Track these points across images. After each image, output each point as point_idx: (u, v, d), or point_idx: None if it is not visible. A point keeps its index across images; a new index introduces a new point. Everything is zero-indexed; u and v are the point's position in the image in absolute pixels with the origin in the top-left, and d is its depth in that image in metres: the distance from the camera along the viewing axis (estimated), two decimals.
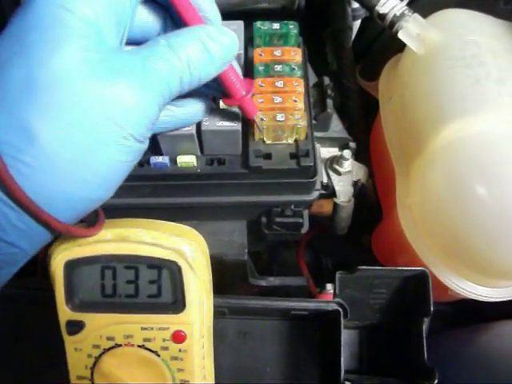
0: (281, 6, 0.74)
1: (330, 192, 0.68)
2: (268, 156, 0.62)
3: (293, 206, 0.67)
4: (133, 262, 0.51)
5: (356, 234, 0.80)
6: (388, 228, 0.73)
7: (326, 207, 0.72)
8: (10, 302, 0.65)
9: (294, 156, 0.62)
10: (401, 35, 0.64)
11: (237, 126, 0.60)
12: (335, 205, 0.68)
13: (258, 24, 0.67)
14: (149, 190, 0.65)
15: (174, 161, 0.63)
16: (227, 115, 0.60)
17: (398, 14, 0.65)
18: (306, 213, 0.68)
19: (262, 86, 0.62)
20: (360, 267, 0.57)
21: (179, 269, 0.50)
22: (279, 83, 0.63)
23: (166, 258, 0.50)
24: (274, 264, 0.92)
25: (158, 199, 0.66)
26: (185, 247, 0.50)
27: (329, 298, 0.72)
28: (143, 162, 0.63)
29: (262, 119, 0.60)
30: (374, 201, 0.76)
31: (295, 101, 0.62)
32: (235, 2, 0.69)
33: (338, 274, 0.58)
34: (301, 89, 0.62)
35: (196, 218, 0.71)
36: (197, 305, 0.52)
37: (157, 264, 0.50)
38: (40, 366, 0.64)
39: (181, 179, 0.64)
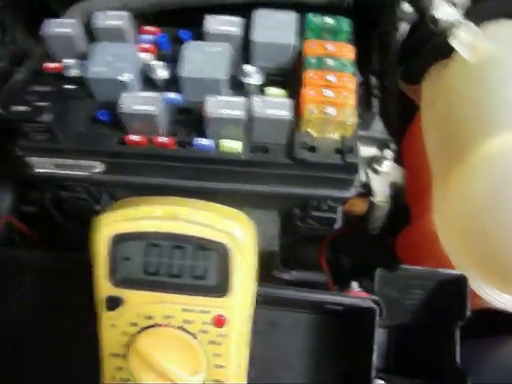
0: (329, 2, 0.74)
1: (367, 191, 0.68)
2: (313, 149, 0.62)
3: (329, 201, 0.67)
4: (180, 242, 0.50)
5: (379, 235, 0.80)
6: (417, 232, 0.72)
7: (357, 206, 0.71)
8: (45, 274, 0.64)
9: (339, 151, 0.62)
10: (453, 42, 0.64)
11: (288, 115, 0.59)
12: (371, 204, 0.68)
13: (311, 16, 0.66)
14: (188, 172, 0.64)
15: (218, 145, 0.62)
16: (278, 104, 0.60)
17: (451, 20, 0.65)
18: (340, 209, 0.68)
19: (314, 78, 0.62)
20: (401, 266, 0.57)
21: (228, 252, 0.49)
22: (331, 77, 0.62)
23: (216, 239, 0.49)
24: (291, 258, 0.91)
25: (195, 182, 0.65)
26: (236, 230, 0.49)
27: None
28: (185, 143, 0.63)
29: (312, 112, 0.60)
30: (402, 203, 0.76)
31: (346, 96, 0.61)
32: None
33: (378, 271, 0.57)
34: (352, 85, 0.62)
35: (228, 204, 0.70)
36: (241, 290, 0.51)
37: (205, 245, 0.49)
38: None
39: (223, 164, 0.63)
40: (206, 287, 0.51)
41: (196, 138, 0.62)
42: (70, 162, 0.66)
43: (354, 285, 0.73)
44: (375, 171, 0.68)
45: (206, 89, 0.62)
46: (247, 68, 0.63)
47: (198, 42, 0.64)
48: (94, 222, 0.50)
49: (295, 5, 0.71)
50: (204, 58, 0.62)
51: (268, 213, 0.71)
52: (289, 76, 0.67)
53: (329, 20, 0.66)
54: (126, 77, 0.62)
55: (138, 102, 0.60)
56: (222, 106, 0.59)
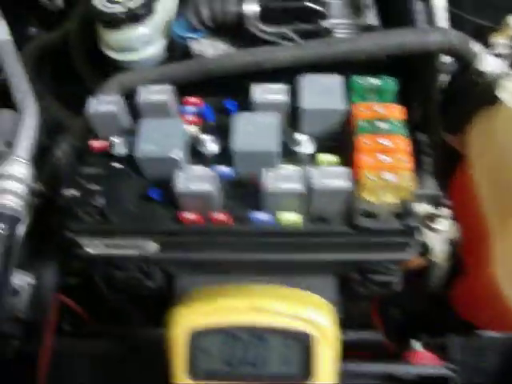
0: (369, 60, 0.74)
1: (424, 249, 0.67)
2: (372, 215, 0.60)
3: (388, 265, 0.66)
4: (262, 333, 0.48)
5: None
6: (475, 284, 0.71)
7: (414, 263, 0.70)
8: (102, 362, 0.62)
9: (398, 216, 0.61)
10: (501, 93, 0.64)
11: (347, 184, 0.58)
12: (431, 263, 0.67)
13: (356, 78, 0.66)
14: (246, 246, 0.63)
15: (275, 217, 0.61)
16: (336, 173, 0.59)
17: (498, 72, 0.64)
18: (399, 270, 0.67)
19: (367, 144, 0.61)
20: (477, 332, 0.55)
21: (311, 340, 0.48)
22: (384, 141, 0.61)
23: (299, 329, 0.48)
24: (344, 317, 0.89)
25: (253, 255, 0.64)
26: (319, 319, 0.48)
27: (417, 356, 0.70)
28: (242, 218, 0.61)
29: (369, 178, 0.59)
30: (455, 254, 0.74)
31: (402, 160, 0.60)
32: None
33: (453, 339, 0.56)
34: (406, 147, 0.61)
35: (284, 272, 0.69)
36: (325, 374, 0.49)
37: (288, 335, 0.48)
38: None
39: (282, 237, 0.61)
40: (289, 375, 0.49)
41: (253, 213, 0.61)
42: (122, 242, 0.64)
43: (417, 345, 0.72)
44: (432, 229, 0.67)
45: (259, 161, 0.61)
46: (299, 137, 0.62)
47: (248, 114, 0.63)
48: (172, 315, 0.49)
49: (334, 64, 0.70)
50: (255, 130, 0.61)
51: (324, 278, 0.69)
52: (338, 140, 0.66)
53: (373, 80, 0.65)
54: (176, 154, 0.61)
55: (193, 181, 0.59)
56: (279, 179, 0.58)
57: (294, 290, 0.51)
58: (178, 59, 0.79)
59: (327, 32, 0.72)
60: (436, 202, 0.69)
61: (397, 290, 0.68)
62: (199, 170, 0.61)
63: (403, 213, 0.60)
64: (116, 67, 0.82)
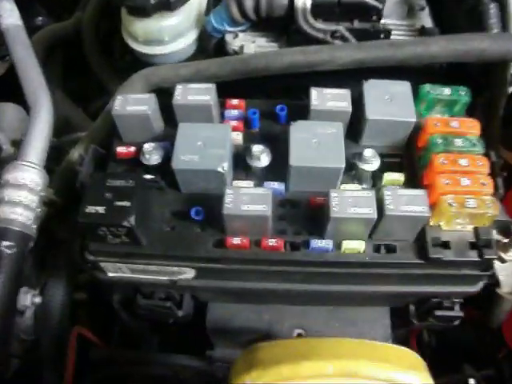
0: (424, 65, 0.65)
1: (493, 282, 0.58)
2: (446, 244, 0.52)
3: (454, 298, 0.57)
4: None
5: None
6: None
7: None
8: None
9: (473, 246, 0.52)
10: None
11: (426, 211, 0.49)
12: (497, 296, 0.58)
13: (427, 88, 0.56)
14: (299, 276, 0.54)
15: (337, 245, 0.52)
16: (412, 198, 0.49)
17: None
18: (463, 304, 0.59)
19: (445, 164, 0.52)
20: None
21: None
22: (463, 161, 0.52)
23: None
24: None
25: (306, 286, 0.55)
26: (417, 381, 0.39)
27: None
28: (297, 245, 0.52)
29: (450, 204, 0.50)
30: None
31: (484, 184, 0.52)
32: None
33: None
34: (486, 169, 0.53)
35: (333, 304, 0.60)
36: None
37: None
38: None
39: (343, 267, 0.52)
40: None
41: (312, 239, 0.51)
42: (153, 267, 0.54)
43: (471, 382, 0.64)
44: (501, 259, 0.58)
45: (319, 179, 0.52)
46: (367, 153, 0.53)
47: (308, 123, 0.53)
48: (240, 378, 0.39)
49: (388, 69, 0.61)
50: (316, 143, 0.52)
51: (378, 310, 0.60)
52: (402, 155, 0.57)
53: (446, 90, 0.56)
54: (223, 167, 0.51)
55: (246, 201, 0.49)
56: (348, 203, 0.48)
57: (378, 345, 0.41)
58: (210, 55, 0.69)
59: (387, 33, 0.63)
60: (504, 228, 0.60)
61: (455, 325, 0.60)
62: (250, 187, 0.51)
63: (479, 243, 0.52)
64: (137, 61, 0.71)
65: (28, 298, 0.64)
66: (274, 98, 0.62)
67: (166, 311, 0.58)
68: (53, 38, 0.83)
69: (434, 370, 0.69)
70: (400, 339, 0.71)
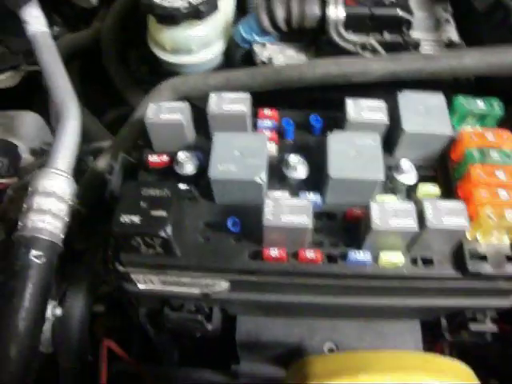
0: (453, 78, 0.64)
1: None
2: (483, 258, 0.50)
3: (488, 312, 0.55)
4: None
5: None
6: None
7: None
8: None
9: (511, 259, 0.51)
10: None
11: (465, 224, 0.47)
12: None
13: (461, 100, 0.55)
14: (337, 289, 0.51)
15: (375, 258, 0.50)
16: (452, 210, 0.48)
17: None
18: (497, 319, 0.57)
19: (482, 177, 0.51)
20: None
21: None
22: (500, 174, 0.51)
23: None
24: None
25: (343, 299, 0.53)
26: None
27: None
28: (335, 257, 0.50)
29: (490, 217, 0.49)
30: None
31: None
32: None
33: None
34: None
35: (364, 316, 0.58)
36: None
37: None
38: None
39: (381, 279, 0.50)
40: None
41: (350, 252, 0.49)
42: (186, 279, 0.51)
43: None
44: None
45: (358, 191, 0.50)
46: (404, 164, 0.51)
47: (345, 134, 0.52)
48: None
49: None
50: (355, 154, 0.50)
51: (408, 323, 0.58)
52: (436, 168, 0.56)
53: (480, 103, 0.55)
54: (261, 178, 0.49)
55: (286, 213, 0.47)
56: (390, 215, 0.47)
57: (433, 357, 0.39)
58: (238, 65, 0.67)
59: (416, 45, 0.61)
60: None
61: (487, 341, 0.58)
62: (289, 199, 0.49)
63: None
64: (153, 73, 0.69)
65: (48, 310, 0.61)
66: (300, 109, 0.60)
67: (196, 325, 0.55)
68: (71, 48, 0.81)
69: None
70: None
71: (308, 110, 0.57)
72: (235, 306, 0.56)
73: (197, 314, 0.55)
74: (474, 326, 0.55)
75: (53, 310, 0.62)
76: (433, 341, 0.61)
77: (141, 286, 0.53)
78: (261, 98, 0.60)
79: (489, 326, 0.56)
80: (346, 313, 0.57)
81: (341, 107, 0.54)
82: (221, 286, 0.52)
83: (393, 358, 0.39)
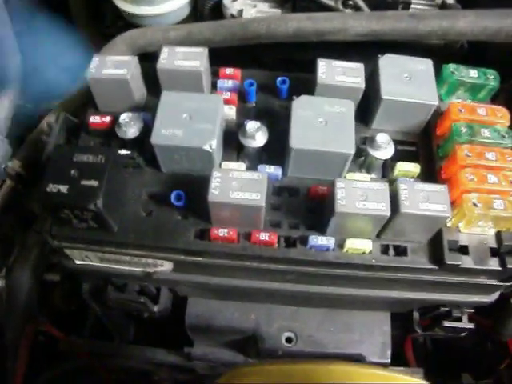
0: (443, 44, 0.53)
1: (509, 291, 0.48)
2: (464, 250, 0.41)
3: (465, 308, 0.47)
4: None
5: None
6: None
7: None
8: None
9: (495, 253, 0.42)
10: None
11: (446, 211, 0.38)
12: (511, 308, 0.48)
13: (452, 68, 0.45)
14: (293, 276, 0.43)
15: (339, 244, 0.41)
16: (432, 194, 0.39)
17: None
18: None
19: (469, 157, 0.41)
20: None
21: None
22: (490, 155, 0.42)
23: None
24: None
25: (301, 286, 0.44)
26: None
27: None
28: (293, 241, 0.41)
29: (475, 205, 0.40)
30: None
31: None
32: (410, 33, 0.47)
33: None
34: None
35: (328, 306, 0.50)
36: None
37: None
38: None
39: (345, 268, 0.41)
40: None
41: (311, 236, 0.40)
42: (126, 258, 0.43)
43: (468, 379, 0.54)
44: None
45: (322, 164, 0.41)
46: (380, 138, 0.42)
47: (312, 98, 0.42)
48: None
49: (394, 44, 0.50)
50: (322, 123, 0.40)
51: (377, 315, 0.50)
52: (418, 143, 0.46)
53: (473, 73, 0.45)
54: (211, 145, 0.39)
55: (236, 188, 0.38)
56: (358, 196, 0.38)
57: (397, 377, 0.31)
58: (206, 19, 0.57)
59: (405, 4, 0.51)
60: None
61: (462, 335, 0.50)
62: (241, 170, 0.40)
63: (503, 249, 0.41)
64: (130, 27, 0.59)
65: None
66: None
67: (140, 306, 0.47)
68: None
69: (430, 376, 0.60)
70: (394, 341, 0.61)
71: (276, 71, 0.47)
72: (183, 287, 0.47)
73: (140, 296, 0.46)
74: (448, 324, 0.47)
75: None
76: (404, 333, 0.52)
77: (78, 262, 0.45)
78: (226, 57, 0.50)
79: (465, 324, 0.47)
80: (306, 301, 0.49)
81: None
82: (164, 266, 0.43)
83: (342, 374, 0.30)
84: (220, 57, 0.47)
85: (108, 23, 0.74)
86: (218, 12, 0.55)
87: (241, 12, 0.53)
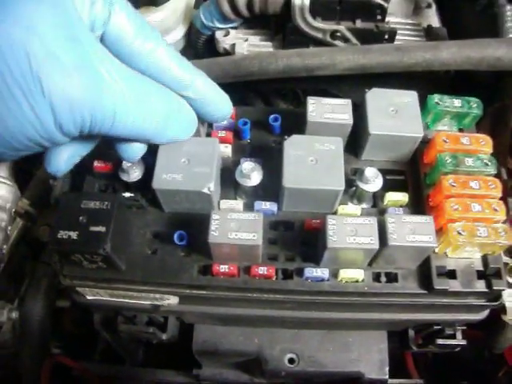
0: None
1: (499, 308, 0.51)
2: (452, 274, 0.45)
3: (457, 325, 0.50)
4: None
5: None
6: None
7: None
8: None
9: (482, 275, 0.45)
10: None
11: (432, 241, 0.41)
12: (502, 323, 0.51)
13: (436, 99, 0.48)
14: (292, 304, 0.46)
15: (333, 274, 0.44)
16: (419, 227, 0.42)
17: None
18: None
19: (454, 187, 0.44)
20: None
21: None
22: (474, 184, 0.45)
23: None
24: None
25: (298, 313, 0.48)
26: None
27: None
28: (290, 273, 0.44)
29: (460, 234, 0.43)
30: None
31: (496, 210, 0.44)
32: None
33: None
34: (499, 192, 0.45)
35: (327, 328, 0.53)
36: None
37: None
38: None
39: (340, 296, 0.45)
40: None
41: (306, 268, 0.43)
42: (134, 293, 0.46)
43: None
44: (508, 284, 0.51)
45: (315, 200, 0.45)
46: (368, 172, 0.45)
47: (303, 138, 0.45)
48: None
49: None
50: (313, 161, 0.43)
51: (374, 334, 0.53)
52: (406, 172, 0.49)
53: (457, 102, 0.48)
54: (209, 188, 0.43)
55: (234, 228, 0.41)
56: (349, 232, 0.41)
57: None
58: (200, 53, 0.60)
59: (392, 33, 0.54)
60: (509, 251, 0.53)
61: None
62: (239, 212, 0.43)
63: (489, 272, 0.45)
64: None
65: (4, 314, 0.57)
66: (270, 101, 0.53)
67: (149, 336, 0.51)
68: None
69: None
70: (395, 352, 0.65)
71: (268, 107, 0.51)
72: (189, 316, 0.51)
73: (149, 327, 0.50)
74: (441, 341, 0.50)
75: (9, 314, 0.58)
76: (401, 349, 0.56)
77: (89, 297, 0.48)
78: (226, 89, 0.54)
79: (458, 340, 0.51)
80: (306, 325, 0.52)
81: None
82: (170, 299, 0.47)
83: None
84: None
85: None
86: (211, 46, 0.58)
87: (233, 46, 0.56)
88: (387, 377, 0.52)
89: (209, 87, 0.39)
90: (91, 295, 0.48)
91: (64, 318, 0.70)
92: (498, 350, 0.56)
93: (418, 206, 0.47)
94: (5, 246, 0.49)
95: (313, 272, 0.43)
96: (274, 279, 0.44)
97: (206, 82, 0.39)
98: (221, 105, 0.40)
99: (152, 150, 0.47)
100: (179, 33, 0.59)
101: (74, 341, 0.69)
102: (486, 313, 0.49)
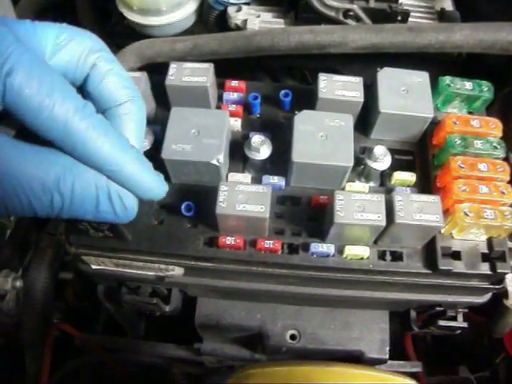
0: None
1: (501, 292, 0.52)
2: (456, 255, 0.45)
3: (459, 308, 0.51)
4: None
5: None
6: None
7: None
8: None
9: (486, 258, 0.45)
10: None
11: (439, 221, 0.42)
12: (504, 307, 0.52)
13: (447, 80, 0.48)
14: (296, 279, 0.47)
15: (339, 250, 0.45)
16: (426, 205, 0.42)
17: None
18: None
19: (462, 168, 0.45)
20: None
21: None
22: (482, 166, 0.45)
23: None
24: None
25: (303, 289, 0.48)
26: None
27: None
28: (296, 247, 0.45)
29: (467, 215, 0.43)
30: None
31: (503, 193, 0.44)
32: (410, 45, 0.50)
33: None
34: (507, 175, 0.45)
35: (330, 306, 0.54)
36: None
37: None
38: None
39: (344, 273, 0.45)
40: None
41: (312, 243, 0.44)
42: (139, 264, 0.47)
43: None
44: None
45: (323, 176, 0.45)
46: (377, 150, 0.45)
47: (313, 113, 0.45)
48: None
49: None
50: (322, 137, 0.44)
51: (376, 313, 0.54)
52: (414, 152, 0.49)
53: (468, 85, 0.48)
54: (218, 159, 0.43)
55: (242, 200, 0.41)
56: (356, 208, 0.41)
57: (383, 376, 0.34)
58: (211, 29, 0.60)
59: (405, 14, 0.54)
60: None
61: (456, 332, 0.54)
62: (247, 184, 0.43)
63: (494, 255, 0.45)
64: (133, 33, 0.62)
65: (8, 282, 0.58)
66: (278, 79, 0.53)
67: (152, 307, 0.51)
68: (41, 3, 0.74)
69: (429, 369, 0.64)
70: (395, 335, 0.66)
71: (279, 83, 0.51)
72: (193, 289, 0.51)
73: (152, 298, 0.51)
74: (443, 323, 0.51)
75: (13, 282, 0.58)
76: (402, 330, 0.56)
77: (94, 267, 0.49)
78: (234, 65, 0.54)
79: (459, 322, 0.51)
80: (309, 301, 0.52)
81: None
82: (175, 270, 0.47)
83: (337, 375, 0.34)
84: (227, 64, 0.51)
85: (114, 21, 0.77)
86: (222, 21, 0.58)
87: (245, 22, 0.56)
88: (387, 357, 0.53)
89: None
90: (96, 264, 0.48)
91: (67, 291, 0.71)
92: (498, 335, 0.56)
93: (426, 186, 0.47)
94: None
95: (319, 247, 0.44)
96: (279, 253, 0.44)
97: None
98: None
99: (160, 119, 0.47)
100: (191, 7, 0.58)
101: (76, 313, 0.70)
102: (488, 296, 0.50)
